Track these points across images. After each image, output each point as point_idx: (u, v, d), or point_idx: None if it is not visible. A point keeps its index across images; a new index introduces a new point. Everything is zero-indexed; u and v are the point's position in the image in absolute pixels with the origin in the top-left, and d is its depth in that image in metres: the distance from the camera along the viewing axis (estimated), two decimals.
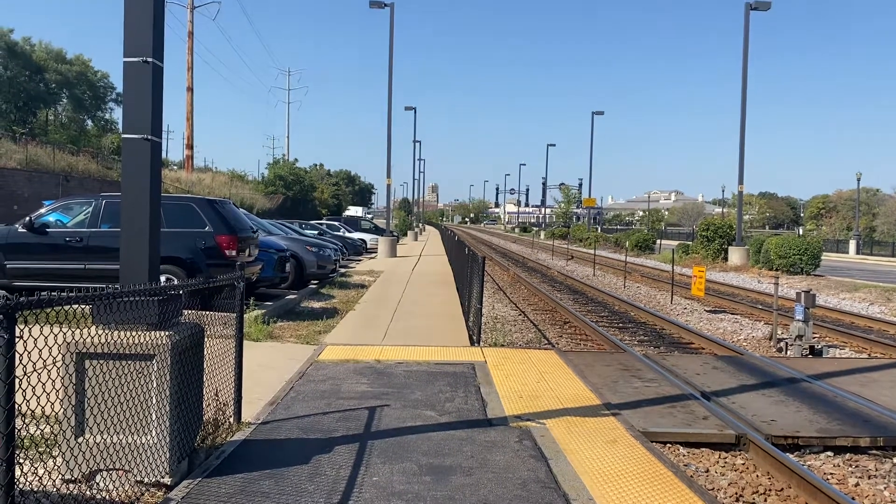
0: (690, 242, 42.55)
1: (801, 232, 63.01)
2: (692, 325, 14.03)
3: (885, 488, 5.64)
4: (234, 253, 11.27)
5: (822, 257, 28.76)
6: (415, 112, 58.70)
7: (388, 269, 23.80)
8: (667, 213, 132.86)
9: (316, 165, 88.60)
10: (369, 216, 65.98)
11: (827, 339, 12.81)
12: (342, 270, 22.17)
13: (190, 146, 49.93)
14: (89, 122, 53.94)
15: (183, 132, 47.10)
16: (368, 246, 34.55)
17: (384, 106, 32.20)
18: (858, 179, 56.51)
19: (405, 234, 57.97)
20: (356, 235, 34.45)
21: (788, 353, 11.14)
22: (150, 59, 4.54)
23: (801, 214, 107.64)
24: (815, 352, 11.14)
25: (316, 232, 26.97)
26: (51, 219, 11.60)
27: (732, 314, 16.31)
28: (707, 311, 16.65)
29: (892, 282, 23.26)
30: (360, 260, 29.20)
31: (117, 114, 55.10)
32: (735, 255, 31.10)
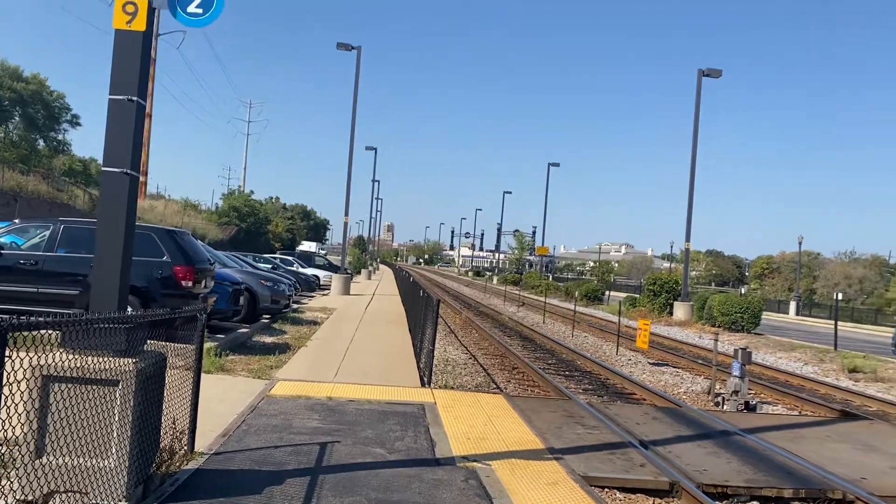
0: (638, 295, 43.59)
1: (744, 290, 65.09)
2: (635, 377, 14.46)
3: None
4: (190, 284, 11.33)
5: (763, 316, 29.83)
6: (375, 152, 59.25)
7: (341, 307, 23.86)
8: (616, 265, 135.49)
9: (272, 198, 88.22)
10: (323, 252, 65.76)
11: (762, 395, 13.36)
12: (295, 306, 22.16)
13: (144, 172, 49.43)
14: (41, 142, 52.84)
15: None
16: (322, 282, 34.49)
17: (344, 142, 32.66)
18: (800, 243, 58.95)
19: (359, 272, 57.98)
20: (310, 271, 34.37)
21: (725, 407, 11.61)
22: (134, 98, 4.77)
23: (747, 273, 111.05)
24: (749, 407, 11.64)
25: (270, 266, 26.92)
26: (4, 240, 11.49)
27: (674, 367, 16.84)
28: (650, 364, 17.15)
29: (826, 343, 24.26)
30: (312, 296, 29.15)
31: (71, 135, 54.26)
32: (680, 310, 32.00)
